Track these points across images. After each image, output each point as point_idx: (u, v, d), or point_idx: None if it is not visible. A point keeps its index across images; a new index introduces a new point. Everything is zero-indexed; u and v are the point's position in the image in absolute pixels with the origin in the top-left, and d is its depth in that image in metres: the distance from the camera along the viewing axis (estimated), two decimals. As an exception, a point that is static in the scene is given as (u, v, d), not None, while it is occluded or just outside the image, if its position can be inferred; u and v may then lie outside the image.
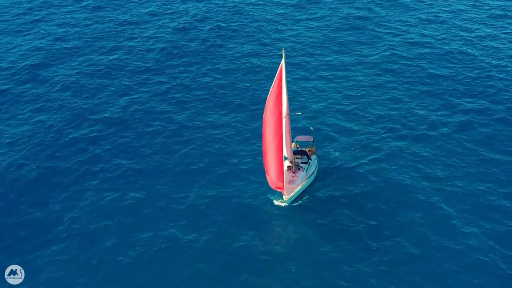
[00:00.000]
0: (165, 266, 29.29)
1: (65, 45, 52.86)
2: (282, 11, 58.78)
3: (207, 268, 29.07)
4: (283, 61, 30.24)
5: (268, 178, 32.47)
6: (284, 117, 31.67)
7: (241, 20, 57.07)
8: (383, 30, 53.52)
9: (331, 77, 46.03)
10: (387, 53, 49.12)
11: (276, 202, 32.96)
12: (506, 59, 47.03)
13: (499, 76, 44.54)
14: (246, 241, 30.71)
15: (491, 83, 43.68)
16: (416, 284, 27.62)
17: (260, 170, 35.65)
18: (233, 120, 41.18)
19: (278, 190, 32.45)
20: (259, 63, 48.67)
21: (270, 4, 60.56)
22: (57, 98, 44.34)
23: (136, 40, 53.65)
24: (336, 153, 37.25)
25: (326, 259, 29.39)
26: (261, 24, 55.98)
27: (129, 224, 32.15)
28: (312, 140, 36.11)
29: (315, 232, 31.16)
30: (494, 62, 46.63)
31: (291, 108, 36.33)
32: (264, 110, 31.61)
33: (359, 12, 57.47)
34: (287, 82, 32.59)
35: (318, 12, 58.12)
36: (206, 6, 60.51)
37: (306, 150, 35.58)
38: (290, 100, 40.08)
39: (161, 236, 31.13)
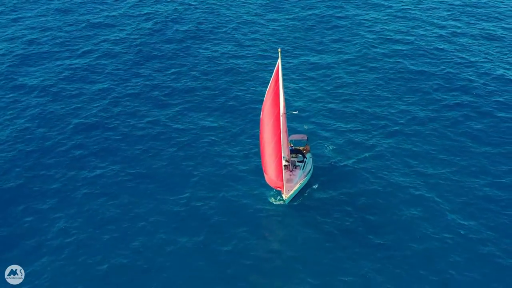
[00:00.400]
0: (167, 269, 29.00)
1: (40, 49, 51.39)
2: (257, 10, 58.74)
3: (209, 271, 28.87)
4: (279, 61, 30.25)
5: (266, 177, 32.48)
6: (281, 116, 31.71)
7: (218, 20, 56.80)
8: (359, 28, 54.20)
9: (315, 75, 46.27)
10: (366, 51, 49.75)
11: (274, 201, 33.04)
12: (483, 54, 48.35)
13: (479, 71, 45.70)
14: (248, 242, 30.61)
15: (472, 77, 44.75)
16: (419, 277, 28.19)
17: (255, 170, 35.65)
18: (222, 121, 40.93)
19: (278, 189, 32.49)
20: (240, 63, 48.52)
21: (245, 4, 60.48)
22: (37, 104, 43.15)
23: (111, 42, 52.64)
24: (330, 147, 37.64)
25: (329, 256, 29.59)
26: (238, 24, 55.87)
27: (126, 226, 31.84)
28: (306, 138, 36.32)
29: (316, 230, 31.30)
30: (472, 58, 47.82)
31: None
32: (262, 109, 31.60)
33: (333, 10, 57.95)
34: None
35: (294, 11, 58.31)
36: (180, 7, 59.95)
37: (301, 148, 35.80)
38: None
39: (161, 238, 30.82)
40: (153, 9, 59.62)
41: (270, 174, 31.80)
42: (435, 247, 29.75)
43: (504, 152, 36.47)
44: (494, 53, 48.50)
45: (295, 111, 35.25)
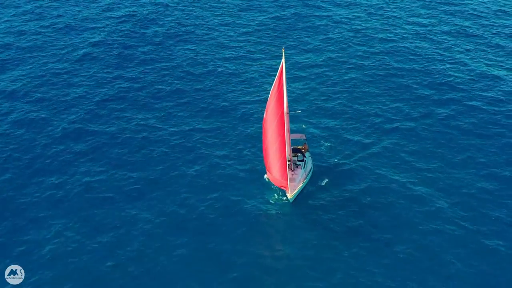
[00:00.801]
0: (169, 270, 28.93)
1: (17, 54, 50.06)
2: (235, 11, 58.59)
3: (212, 272, 28.89)
4: (283, 60, 30.41)
5: (270, 176, 32.59)
6: (285, 115, 31.86)
7: (197, 21, 56.40)
8: (340, 25, 54.74)
9: (304, 74, 46.55)
10: (350, 49, 50.32)
11: (275, 201, 33.21)
12: (464, 51, 49.65)
13: (462, 67, 46.89)
14: (256, 243, 30.68)
15: (457, 74, 45.84)
16: (424, 270, 28.83)
17: (253, 170, 35.68)
18: (212, 121, 40.83)
19: (282, 188, 32.62)
20: (223, 63, 48.35)
21: (219, 6, 60.20)
22: (17, 109, 42.19)
23: (87, 43, 51.67)
24: (327, 143, 38.01)
25: (334, 253, 29.93)
26: (214, 25, 55.60)
27: (125, 227, 31.70)
28: (304, 137, 36.56)
29: (320, 228, 31.60)
30: (454, 55, 49.00)
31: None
32: (265, 109, 31.71)
33: (312, 9, 58.36)
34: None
35: (273, 10, 58.39)
36: (158, 7, 59.22)
37: (299, 148, 36.03)
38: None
39: (162, 240, 30.76)
40: (131, 10, 58.74)
41: (275, 174, 31.86)
42: (438, 240, 30.40)
43: (498, 144, 37.64)
44: (474, 50, 49.86)
45: (298, 111, 35.47)
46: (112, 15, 57.67)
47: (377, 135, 38.98)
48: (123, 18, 56.75)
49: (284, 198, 33.16)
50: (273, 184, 33.27)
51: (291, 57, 48.94)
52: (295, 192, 32.50)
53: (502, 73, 45.71)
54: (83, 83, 45.93)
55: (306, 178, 34.07)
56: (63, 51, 50.77)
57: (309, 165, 35.06)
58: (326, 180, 34.77)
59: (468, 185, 34.19)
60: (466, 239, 30.52)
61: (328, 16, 56.83)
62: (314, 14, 57.13)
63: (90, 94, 44.32)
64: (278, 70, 30.56)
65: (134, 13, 57.84)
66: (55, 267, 29.10)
